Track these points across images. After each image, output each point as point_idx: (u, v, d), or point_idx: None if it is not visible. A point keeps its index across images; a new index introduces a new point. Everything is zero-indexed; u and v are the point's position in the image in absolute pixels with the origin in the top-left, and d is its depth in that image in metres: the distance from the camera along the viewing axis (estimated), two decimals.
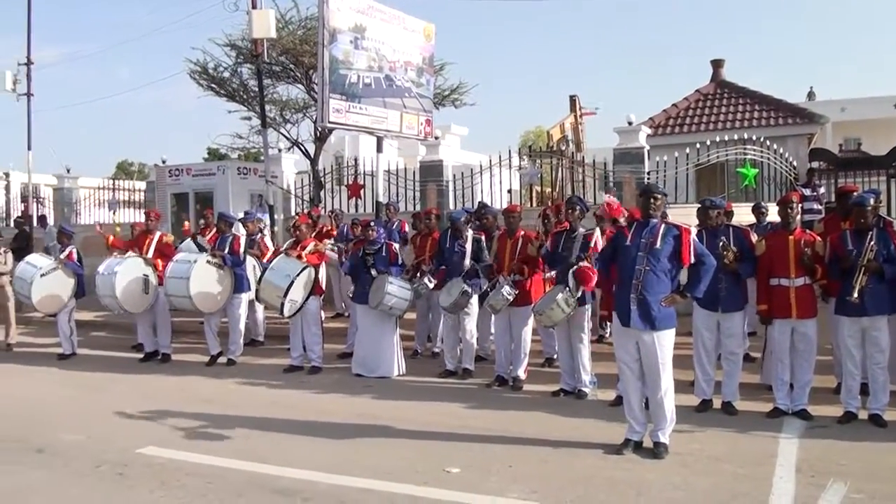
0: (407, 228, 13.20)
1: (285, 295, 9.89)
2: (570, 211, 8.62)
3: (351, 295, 10.77)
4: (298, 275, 9.97)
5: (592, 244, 8.19)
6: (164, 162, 18.36)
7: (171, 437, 7.31)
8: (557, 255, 8.49)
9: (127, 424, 7.83)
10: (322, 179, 18.06)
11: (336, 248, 12.27)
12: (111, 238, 12.13)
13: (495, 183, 15.51)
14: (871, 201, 7.37)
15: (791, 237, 7.54)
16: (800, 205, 8.06)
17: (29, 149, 19.50)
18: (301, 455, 6.63)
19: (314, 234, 12.20)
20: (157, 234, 11.89)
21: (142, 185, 21.89)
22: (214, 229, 12.05)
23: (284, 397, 9.03)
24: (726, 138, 15.71)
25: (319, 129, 18.04)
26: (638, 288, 6.39)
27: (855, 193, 8.06)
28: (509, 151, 15.96)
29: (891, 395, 7.31)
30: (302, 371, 10.35)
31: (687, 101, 22.46)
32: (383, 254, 10.11)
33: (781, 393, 7.56)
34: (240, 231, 12.18)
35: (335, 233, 13.41)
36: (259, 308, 12.25)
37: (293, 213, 16.69)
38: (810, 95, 37.81)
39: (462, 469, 6.16)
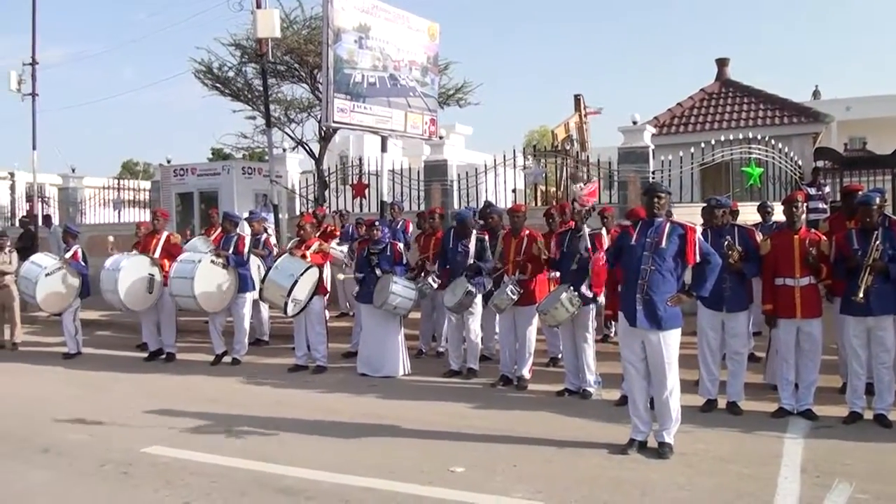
0: (411, 228, 13.20)
1: (289, 294, 9.90)
2: (575, 211, 8.61)
3: (355, 294, 10.77)
4: (302, 274, 9.97)
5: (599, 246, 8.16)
6: (168, 162, 18.38)
7: (176, 437, 7.31)
8: (562, 254, 8.49)
9: (132, 424, 7.83)
10: (327, 179, 18.08)
11: (345, 254, 12.23)
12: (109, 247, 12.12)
13: (500, 182, 15.51)
14: (877, 200, 7.35)
15: (796, 237, 7.52)
16: (805, 204, 8.04)
17: (34, 148, 19.55)
18: (305, 454, 6.64)
19: (318, 233, 12.19)
20: (165, 234, 11.91)
21: (147, 184, 21.93)
22: (219, 229, 12.05)
23: (289, 397, 9.04)
24: (731, 137, 15.69)
25: (324, 128, 18.05)
26: (644, 288, 6.37)
27: (860, 193, 8.03)
28: (514, 151, 15.95)
29: None
30: (306, 370, 10.35)
31: (692, 100, 22.41)
32: (388, 253, 10.11)
33: (786, 393, 7.55)
34: (244, 231, 12.18)
35: (339, 232, 13.42)
36: (264, 308, 12.25)
37: (298, 213, 16.69)
38: (815, 94, 37.76)
39: (467, 469, 6.15)
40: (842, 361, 8.07)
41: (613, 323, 9.54)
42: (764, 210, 10.76)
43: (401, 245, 10.61)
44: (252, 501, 5.60)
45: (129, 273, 11.13)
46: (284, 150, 18.97)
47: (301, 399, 8.90)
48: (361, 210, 16.46)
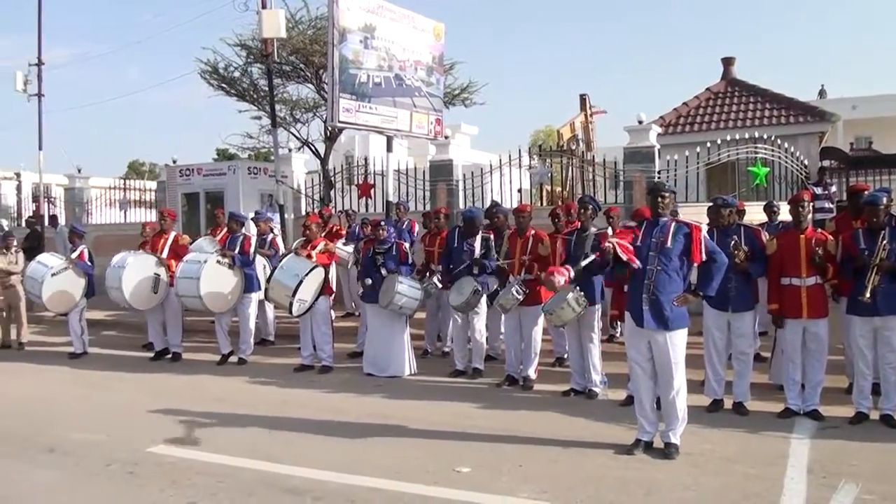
0: (417, 228, 13.21)
1: (294, 294, 9.90)
2: (582, 210, 8.61)
3: (361, 294, 10.77)
4: (307, 274, 9.98)
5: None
6: (174, 162, 18.41)
7: (182, 436, 7.32)
8: (568, 255, 8.48)
9: (137, 423, 7.85)
10: (332, 179, 18.08)
11: (350, 254, 12.22)
12: None
13: (505, 182, 15.50)
14: (884, 200, 7.32)
15: (802, 236, 7.50)
16: (811, 204, 8.01)
17: (40, 149, 19.63)
18: (311, 454, 6.64)
19: (324, 233, 12.20)
20: (172, 234, 11.94)
21: (152, 185, 21.97)
22: (225, 229, 12.06)
23: (295, 396, 9.04)
24: (737, 137, 15.67)
25: (329, 128, 18.06)
26: (650, 288, 6.36)
27: (866, 192, 8.01)
28: (519, 151, 15.93)
29: None
30: (312, 370, 10.36)
31: (697, 99, 22.40)
32: (393, 253, 10.11)
33: (793, 393, 7.53)
34: (250, 231, 12.19)
35: (345, 232, 13.43)
36: (269, 308, 12.27)
37: (303, 213, 16.70)
38: (821, 93, 37.66)
39: (472, 469, 6.15)
40: (848, 362, 8.06)
41: (619, 323, 9.56)
42: (770, 210, 10.73)
43: (406, 245, 10.61)
44: (258, 501, 5.61)
45: (134, 271, 11.15)
46: (290, 150, 18.97)
47: (307, 399, 8.90)
48: (367, 210, 16.46)
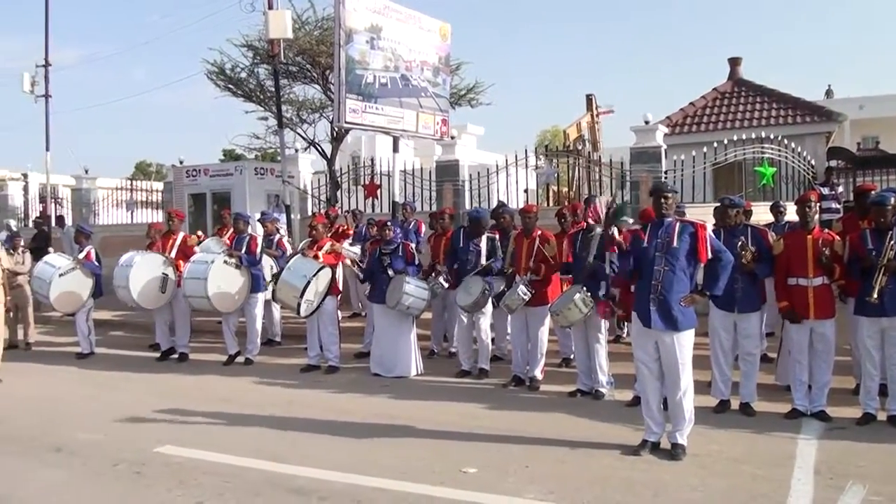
0: (423, 228, 13.20)
1: (302, 295, 9.91)
2: (588, 211, 8.59)
3: (368, 295, 10.77)
4: (315, 275, 9.99)
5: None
6: (181, 162, 18.44)
7: (189, 436, 7.33)
8: (575, 255, 8.47)
9: (144, 423, 7.86)
10: (339, 179, 18.10)
11: (357, 255, 12.21)
12: None
13: (512, 182, 15.50)
14: (891, 200, 7.29)
15: (809, 236, 7.48)
16: (818, 204, 7.99)
17: (47, 150, 19.68)
18: (318, 454, 6.65)
19: (331, 233, 12.20)
20: (181, 234, 11.97)
21: (159, 185, 22.00)
22: (231, 229, 12.07)
23: (301, 397, 9.05)
24: (744, 137, 15.64)
25: (336, 129, 18.08)
26: (658, 288, 6.36)
27: (873, 192, 8.00)
28: (525, 151, 15.94)
29: None
30: (319, 370, 10.37)
31: (704, 99, 22.37)
32: (400, 254, 10.11)
33: (800, 394, 7.51)
34: (257, 231, 12.21)
35: (351, 232, 13.43)
36: (276, 308, 12.29)
37: (310, 213, 16.71)
38: (828, 93, 37.60)
39: (479, 469, 6.15)
40: (855, 362, 8.03)
41: (626, 324, 9.56)
42: (776, 210, 10.71)
43: (413, 245, 10.61)
44: (265, 501, 5.61)
45: (141, 270, 11.18)
46: (296, 150, 19.01)
47: (313, 399, 8.91)
48: (373, 210, 16.47)
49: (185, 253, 11.58)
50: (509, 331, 9.90)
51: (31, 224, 21.24)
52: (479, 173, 15.89)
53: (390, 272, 9.99)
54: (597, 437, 6.95)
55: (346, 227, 13.55)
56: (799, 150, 16.65)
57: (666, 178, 13.75)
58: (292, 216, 15.54)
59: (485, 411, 8.12)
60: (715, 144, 15.09)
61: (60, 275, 11.58)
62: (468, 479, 5.95)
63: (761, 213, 11.13)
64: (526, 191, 16.61)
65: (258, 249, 11.19)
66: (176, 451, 6.81)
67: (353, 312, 14.07)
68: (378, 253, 10.22)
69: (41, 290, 11.73)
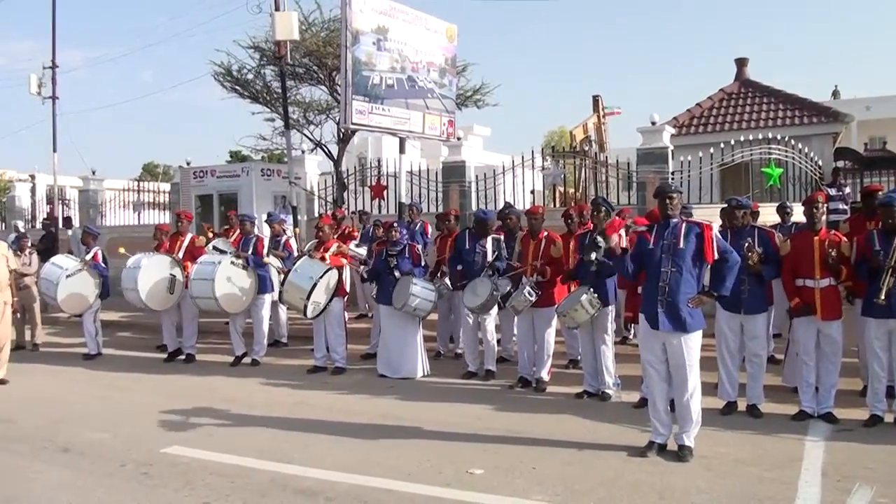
0: (430, 230, 13.21)
1: (308, 296, 9.92)
2: (595, 212, 8.59)
3: (375, 296, 10.78)
4: (321, 276, 10.00)
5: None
6: (188, 164, 18.48)
7: (196, 437, 7.35)
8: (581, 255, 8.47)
9: (152, 424, 7.87)
10: (345, 180, 18.11)
11: (363, 256, 12.20)
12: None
13: (518, 184, 15.49)
14: None
15: (816, 238, 7.46)
16: (825, 205, 7.97)
17: (54, 151, 19.78)
18: (324, 455, 6.66)
19: (337, 235, 12.21)
20: (189, 235, 12.00)
21: (166, 186, 22.05)
22: (238, 230, 12.09)
23: (308, 398, 9.06)
24: (751, 138, 15.60)
25: (342, 130, 18.10)
26: (665, 290, 6.35)
27: (881, 193, 7.98)
28: (532, 152, 15.93)
29: None
30: (325, 372, 10.38)
31: (711, 100, 22.31)
32: (406, 255, 10.12)
33: (807, 395, 7.50)
34: (263, 232, 12.22)
35: (357, 233, 13.44)
36: (283, 309, 12.31)
37: (316, 215, 16.73)
38: (835, 94, 37.53)
39: (485, 471, 6.15)
40: (863, 364, 8.01)
41: (633, 325, 9.54)
42: (783, 211, 10.69)
43: (419, 246, 10.62)
44: (271, 502, 5.62)
45: (149, 272, 11.21)
46: (303, 151, 19.03)
47: (320, 400, 8.92)
48: (380, 211, 16.48)
49: (193, 254, 11.61)
50: (515, 332, 9.90)
51: (38, 225, 21.31)
52: (485, 174, 15.89)
53: (397, 273, 9.99)
54: (603, 439, 6.94)
55: (351, 229, 13.56)
56: (806, 150, 16.59)
57: (672, 179, 13.73)
58: (299, 217, 15.56)
59: (491, 413, 8.12)
60: (722, 145, 15.06)
61: (68, 276, 11.62)
62: (475, 481, 5.95)
63: (768, 215, 11.11)
64: (532, 192, 16.61)
65: (265, 250, 11.21)
66: (183, 452, 6.82)
67: (359, 314, 14.09)
68: (384, 254, 10.23)
69: (48, 291, 11.77)
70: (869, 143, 31.86)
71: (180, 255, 11.62)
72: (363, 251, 12.14)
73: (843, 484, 5.66)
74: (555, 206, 16.24)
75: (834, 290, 7.48)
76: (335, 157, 18.86)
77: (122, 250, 12.24)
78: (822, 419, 7.33)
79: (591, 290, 8.11)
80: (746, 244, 7.53)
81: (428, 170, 16.88)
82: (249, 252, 11.09)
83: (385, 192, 16.86)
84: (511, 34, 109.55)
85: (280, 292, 10.61)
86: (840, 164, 19.71)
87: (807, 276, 7.45)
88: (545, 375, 9.13)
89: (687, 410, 6.38)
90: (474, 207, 15.15)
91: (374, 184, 17.21)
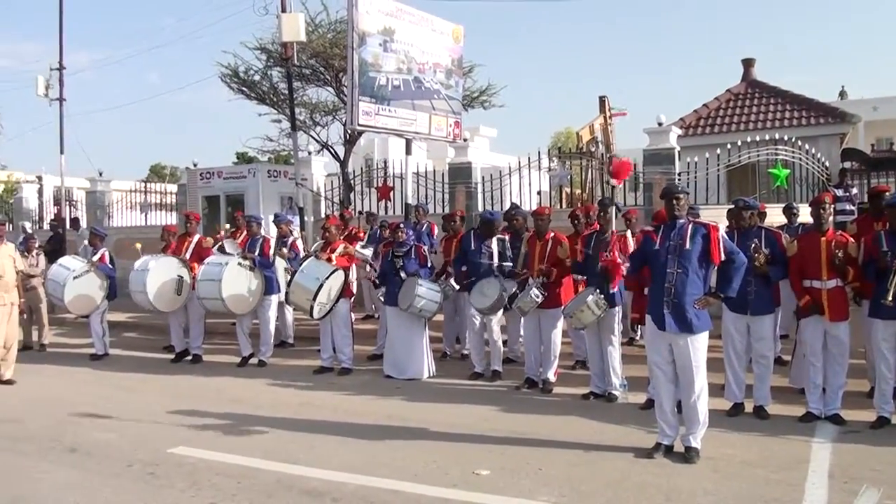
0: (436, 230, 13.21)
1: (315, 297, 9.93)
2: (601, 213, 8.59)
3: (381, 297, 10.78)
4: (328, 277, 10.00)
5: (612, 243, 8.00)
6: (195, 165, 18.50)
7: (202, 437, 7.36)
8: (588, 257, 8.46)
9: (158, 424, 7.89)
10: (351, 182, 18.12)
11: (369, 257, 12.19)
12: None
13: (524, 185, 15.49)
14: None
15: (823, 238, 7.44)
16: (832, 206, 7.95)
17: (61, 152, 19.79)
18: (331, 456, 6.66)
19: (344, 235, 12.22)
20: (197, 236, 12.02)
21: (173, 187, 22.08)
22: (245, 232, 12.10)
23: (314, 398, 9.07)
24: (757, 139, 15.56)
25: (349, 131, 18.09)
26: (671, 291, 6.34)
27: (888, 194, 7.97)
28: (538, 153, 15.91)
29: None
30: (332, 372, 10.39)
31: (717, 101, 22.28)
32: (412, 256, 10.12)
33: (814, 397, 7.48)
34: (270, 233, 12.23)
35: (364, 234, 13.44)
36: (288, 310, 12.32)
37: (323, 216, 16.74)
38: (842, 94, 37.44)
39: (491, 472, 6.15)
40: (870, 365, 7.98)
41: (639, 326, 9.53)
42: (789, 212, 10.67)
43: (425, 248, 10.61)
44: (277, 502, 5.63)
45: (157, 274, 11.23)
46: (310, 153, 19.05)
47: (326, 401, 8.93)
48: (386, 213, 16.48)
49: (200, 255, 11.62)
50: (522, 333, 9.90)
51: (46, 226, 21.35)
52: (491, 175, 15.88)
53: (402, 274, 10.00)
54: (610, 440, 6.93)
55: (358, 229, 13.56)
56: (813, 151, 16.55)
57: (679, 179, 13.70)
58: (305, 218, 15.57)
59: (498, 414, 8.12)
60: (728, 146, 15.02)
61: (74, 277, 11.64)
62: (481, 482, 5.95)
63: (775, 216, 11.08)
64: (539, 193, 16.59)
65: (271, 252, 11.22)
66: (189, 452, 6.83)
67: (366, 314, 14.10)
68: (391, 255, 10.23)
69: (55, 292, 11.80)
70: (876, 144, 31.82)
71: (187, 255, 11.63)
72: (369, 252, 12.14)
73: (850, 486, 5.64)
74: (561, 206, 16.24)
75: (841, 291, 7.46)
76: (342, 159, 18.87)
77: (138, 246, 12.24)
78: (829, 421, 7.31)
79: (598, 291, 8.10)
80: (753, 245, 7.52)
81: (434, 171, 16.89)
82: (256, 253, 11.10)
83: (391, 194, 16.86)
84: (517, 35, 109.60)
85: (286, 293, 10.62)
86: (847, 164, 19.64)
87: (814, 277, 7.43)
88: (552, 376, 9.13)
89: (694, 412, 6.37)
90: (480, 208, 15.14)
91: (380, 185, 17.21)
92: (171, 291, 11.33)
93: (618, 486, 5.80)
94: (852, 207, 15.36)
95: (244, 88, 19.29)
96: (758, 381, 7.78)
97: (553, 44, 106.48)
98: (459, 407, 8.43)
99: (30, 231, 17.37)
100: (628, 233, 8.51)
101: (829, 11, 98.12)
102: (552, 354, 9.12)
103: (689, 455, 6.32)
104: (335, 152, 19.36)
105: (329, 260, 10.34)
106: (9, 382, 10.16)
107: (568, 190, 17.50)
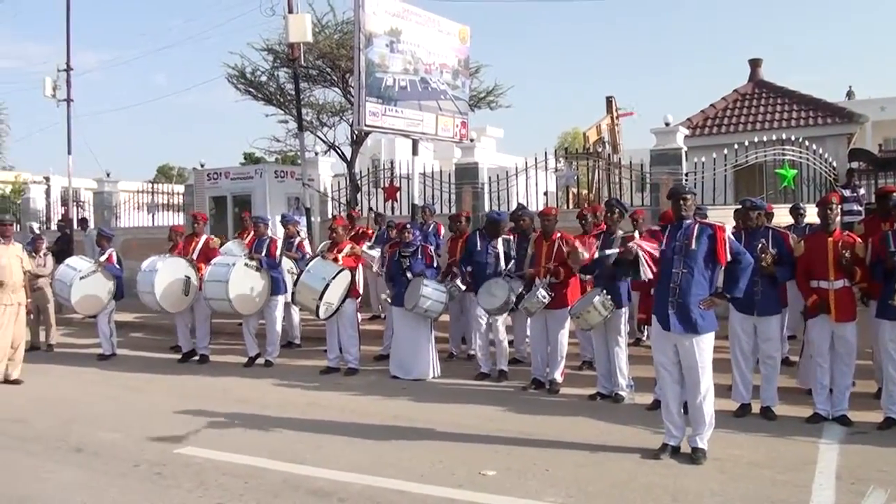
0: (443, 231, 13.21)
1: (321, 297, 9.93)
2: (608, 213, 8.57)
3: (388, 298, 10.78)
4: (334, 277, 10.01)
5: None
6: (202, 166, 18.52)
7: (209, 437, 7.37)
8: (595, 258, 8.44)
9: (165, 424, 7.89)
10: (358, 182, 18.13)
11: (376, 258, 12.18)
12: None
13: (531, 185, 15.48)
14: None
15: (830, 239, 7.43)
16: (839, 206, 7.93)
17: (69, 153, 19.82)
18: (337, 456, 6.67)
19: (351, 234, 12.22)
20: (204, 237, 12.04)
21: (180, 188, 22.11)
22: (252, 232, 12.11)
23: (321, 398, 9.08)
24: (765, 139, 15.52)
25: (356, 132, 18.08)
26: (676, 292, 6.32)
27: (895, 194, 7.93)
28: (545, 153, 15.88)
29: None
30: (338, 373, 10.40)
31: (725, 101, 22.23)
32: (419, 256, 10.12)
33: (821, 398, 7.46)
34: (277, 234, 12.24)
35: (372, 233, 13.45)
36: (294, 310, 12.33)
37: (329, 216, 16.75)
38: (849, 94, 37.34)
39: (498, 472, 6.15)
40: (877, 366, 7.96)
41: (646, 327, 9.51)
42: (796, 212, 10.65)
43: (431, 248, 10.61)
44: (284, 502, 5.64)
45: (165, 274, 11.26)
46: (316, 153, 19.04)
47: (333, 401, 8.93)
48: (393, 213, 16.49)
49: (207, 255, 11.64)
50: (528, 333, 9.89)
51: (53, 227, 21.39)
52: (498, 176, 15.86)
53: (409, 275, 10.00)
54: (617, 441, 6.93)
55: (365, 229, 13.57)
56: (820, 151, 16.49)
57: (686, 180, 13.68)
58: (312, 219, 15.58)
59: (504, 414, 8.11)
60: (735, 146, 14.99)
61: (81, 277, 11.67)
62: (487, 482, 5.95)
63: (782, 216, 11.06)
64: (545, 193, 16.58)
65: (278, 252, 11.23)
66: (196, 452, 6.85)
67: (372, 315, 14.09)
68: (397, 255, 10.24)
69: (62, 292, 11.84)
70: (883, 144, 31.71)
71: (194, 256, 11.65)
72: (376, 253, 12.15)
73: (858, 487, 5.63)
74: (568, 207, 16.22)
75: (848, 291, 7.44)
76: (348, 159, 18.87)
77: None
78: (837, 422, 7.30)
79: (605, 291, 8.09)
80: (760, 245, 7.50)
81: (441, 171, 16.88)
82: (263, 254, 11.11)
83: (398, 194, 16.85)
84: (524, 35, 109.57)
85: (292, 293, 10.62)
86: (854, 164, 19.58)
87: (821, 278, 7.42)
88: (558, 377, 9.12)
89: (700, 412, 6.36)
90: (487, 209, 15.12)
91: (387, 185, 17.22)
92: (178, 292, 11.35)
93: (624, 486, 5.80)
94: (860, 208, 15.32)
95: (251, 89, 19.30)
96: (765, 382, 7.77)
97: (560, 44, 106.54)
98: (465, 407, 8.43)
99: (38, 231, 17.40)
100: (636, 234, 8.49)
101: (836, 11, 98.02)
102: (559, 355, 9.11)
103: (695, 456, 6.31)
104: (342, 153, 19.37)
105: (336, 260, 10.35)
106: (16, 382, 10.20)
107: (575, 190, 17.46)
